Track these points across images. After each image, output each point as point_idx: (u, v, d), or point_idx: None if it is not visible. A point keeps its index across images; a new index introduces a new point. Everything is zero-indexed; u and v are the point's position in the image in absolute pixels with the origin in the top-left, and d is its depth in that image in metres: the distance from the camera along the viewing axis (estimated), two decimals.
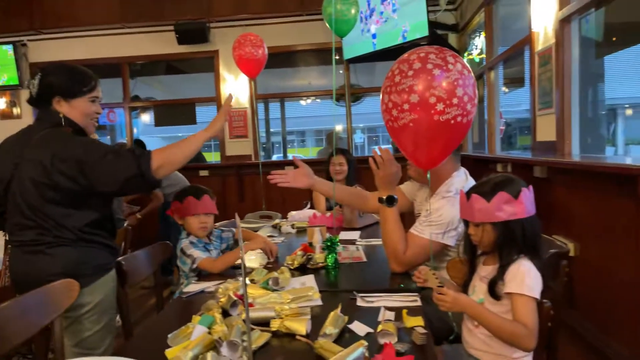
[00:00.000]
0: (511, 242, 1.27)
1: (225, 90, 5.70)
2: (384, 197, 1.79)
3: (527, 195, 1.27)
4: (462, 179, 1.82)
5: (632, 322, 2.18)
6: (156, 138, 17.85)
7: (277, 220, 3.09)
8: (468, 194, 1.32)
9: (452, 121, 1.40)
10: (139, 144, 5.05)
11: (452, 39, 5.43)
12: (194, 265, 1.91)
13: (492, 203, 1.25)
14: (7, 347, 1.31)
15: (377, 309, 1.39)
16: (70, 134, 1.61)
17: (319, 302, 1.47)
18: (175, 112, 6.16)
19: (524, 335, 1.16)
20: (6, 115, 5.94)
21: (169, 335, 1.19)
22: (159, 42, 5.71)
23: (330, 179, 3.06)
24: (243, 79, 5.65)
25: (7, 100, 5.93)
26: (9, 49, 5.72)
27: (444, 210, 1.72)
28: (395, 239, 1.75)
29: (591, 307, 2.60)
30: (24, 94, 5.86)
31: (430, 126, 1.41)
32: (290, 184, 1.98)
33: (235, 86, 5.68)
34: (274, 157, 11.31)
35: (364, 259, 2.02)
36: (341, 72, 5.92)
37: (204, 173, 5.72)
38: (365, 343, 1.06)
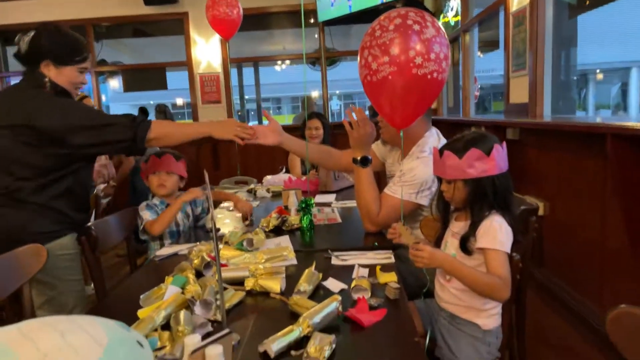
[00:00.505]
0: (482, 198, 1.28)
1: (196, 54, 5.51)
2: (358, 158, 1.78)
3: (499, 151, 1.27)
4: (435, 139, 1.82)
5: (597, 277, 2.27)
6: (126, 105, 17.34)
7: (252, 185, 3.06)
8: (441, 150, 1.32)
9: (429, 76, 1.44)
10: (143, 112, 4.96)
11: (428, 0, 5.36)
12: (141, 227, 1.92)
13: (464, 160, 1.25)
14: None
15: (351, 267, 1.41)
16: (50, 95, 1.59)
17: (294, 262, 1.47)
18: (145, 77, 5.96)
19: (499, 286, 1.19)
20: None
21: (141, 296, 1.18)
22: (125, 3, 5.45)
23: None
24: (215, 42, 5.48)
25: None
26: None
27: (417, 170, 1.73)
28: (369, 200, 1.76)
29: (559, 264, 2.70)
30: None
31: (409, 79, 1.43)
32: (258, 140, 1.86)
33: (207, 50, 5.51)
34: (249, 125, 11.11)
35: (339, 220, 2.02)
36: (316, 36, 5.80)
37: None
38: (339, 298, 1.07)
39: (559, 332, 2.39)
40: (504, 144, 1.30)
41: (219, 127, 1.75)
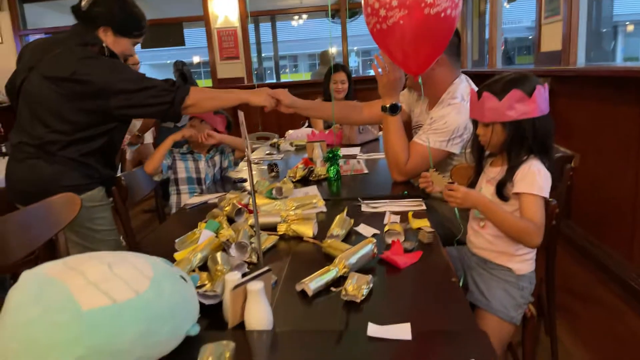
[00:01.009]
0: (521, 142, 1.23)
1: (213, 7, 5.38)
2: (387, 105, 1.73)
3: (542, 93, 1.21)
4: (465, 85, 1.76)
5: (628, 230, 2.23)
6: (145, 66, 17.24)
7: (275, 140, 3.05)
8: (479, 92, 1.26)
9: (442, 14, 1.35)
10: (183, 77, 4.96)
11: None
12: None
13: (504, 101, 1.20)
14: (10, 260, 1.31)
15: (382, 214, 1.40)
16: (98, 54, 1.59)
17: (324, 209, 1.47)
18: (161, 33, 5.86)
19: (532, 231, 1.16)
20: None
21: (176, 240, 1.19)
22: None
23: (328, 98, 2.97)
24: None
25: None
26: None
27: (449, 118, 1.67)
28: (397, 149, 1.72)
29: (587, 216, 2.65)
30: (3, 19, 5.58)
31: (421, 21, 1.35)
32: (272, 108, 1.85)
33: (224, 3, 5.37)
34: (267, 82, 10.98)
35: (366, 171, 2.00)
36: None
37: None
38: (374, 240, 1.06)
39: (584, 283, 2.38)
40: (546, 85, 1.23)
41: (255, 94, 1.76)
